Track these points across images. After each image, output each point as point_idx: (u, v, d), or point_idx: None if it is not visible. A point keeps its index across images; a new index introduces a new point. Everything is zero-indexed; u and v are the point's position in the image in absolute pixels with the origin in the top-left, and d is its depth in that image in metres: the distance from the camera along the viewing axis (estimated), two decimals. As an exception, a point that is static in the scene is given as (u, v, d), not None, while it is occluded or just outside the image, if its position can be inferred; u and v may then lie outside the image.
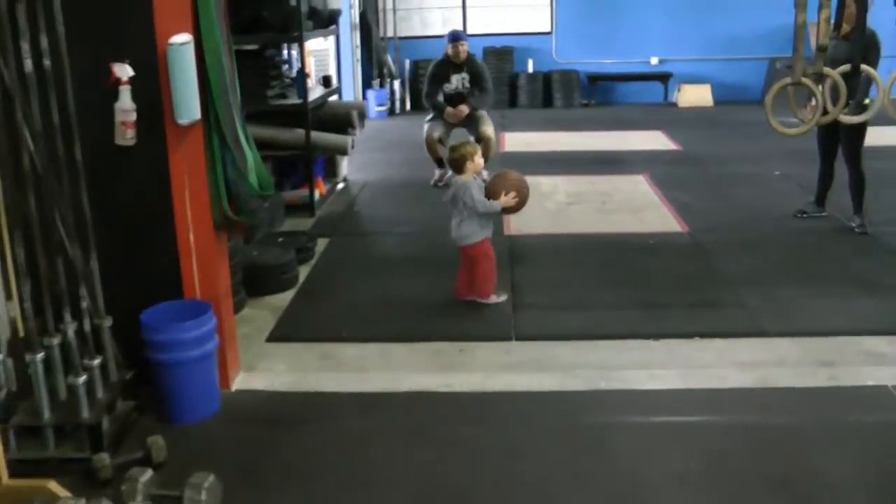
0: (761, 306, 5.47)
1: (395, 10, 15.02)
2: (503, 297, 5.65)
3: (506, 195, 5.49)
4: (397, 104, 14.65)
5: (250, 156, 4.27)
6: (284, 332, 5.26)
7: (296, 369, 4.73)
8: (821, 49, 4.95)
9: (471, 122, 8.99)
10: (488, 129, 8.92)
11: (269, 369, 4.73)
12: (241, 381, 4.58)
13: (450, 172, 8.95)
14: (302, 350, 4.98)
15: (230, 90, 4.15)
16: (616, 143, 11.36)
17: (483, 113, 8.94)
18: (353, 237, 7.34)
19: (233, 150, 4.15)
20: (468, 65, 8.96)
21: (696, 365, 4.70)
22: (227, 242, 4.64)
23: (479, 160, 5.61)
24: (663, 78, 15.16)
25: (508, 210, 5.57)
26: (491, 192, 5.53)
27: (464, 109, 8.89)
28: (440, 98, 9.02)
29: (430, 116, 9.10)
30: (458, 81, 8.91)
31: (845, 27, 6.46)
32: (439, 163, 9.10)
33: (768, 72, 14.81)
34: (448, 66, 8.95)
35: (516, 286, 5.91)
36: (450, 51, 8.88)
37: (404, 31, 15.10)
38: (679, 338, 5.02)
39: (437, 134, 8.93)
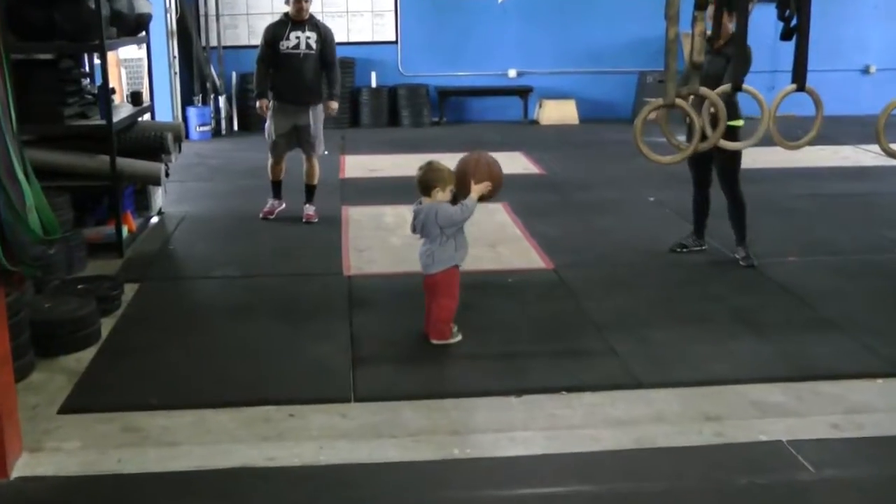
0: (635, 354, 5.49)
1: (218, 17, 14.74)
2: (458, 337, 5.65)
3: (476, 184, 5.47)
4: (222, 124, 14.35)
5: (29, 192, 3.98)
6: (81, 400, 4.97)
7: (93, 447, 4.46)
8: (695, 67, 5.00)
9: (301, 137, 8.67)
10: (319, 150, 8.77)
11: (59, 449, 4.44)
12: (22, 467, 4.26)
13: (283, 205, 8.88)
14: (101, 422, 4.70)
15: (2, 111, 3.84)
16: (472, 166, 11.38)
17: (319, 131, 8.73)
18: (167, 282, 7.08)
19: (6, 185, 3.85)
20: (311, 24, 8.54)
21: (563, 425, 4.64)
22: (7, 297, 4.33)
23: (450, 193, 5.54)
24: (522, 93, 15.37)
25: (483, 199, 5.57)
26: (461, 186, 5.51)
27: (333, 106, 8.69)
28: (270, 74, 8.57)
29: (267, 122, 8.75)
30: (300, 39, 8.46)
31: (719, 41, 6.59)
32: (275, 188, 8.94)
33: (638, 87, 15.21)
34: (286, 24, 8.50)
35: (355, 337, 5.79)
36: (291, 8, 8.45)
37: (230, 40, 14.83)
38: (543, 393, 4.97)
39: (280, 149, 8.70)
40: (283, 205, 8.94)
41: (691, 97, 5.20)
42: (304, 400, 4.91)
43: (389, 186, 10.22)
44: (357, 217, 8.91)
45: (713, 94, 5.14)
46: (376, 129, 14.82)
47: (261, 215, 8.85)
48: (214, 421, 4.70)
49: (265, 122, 8.74)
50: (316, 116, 8.62)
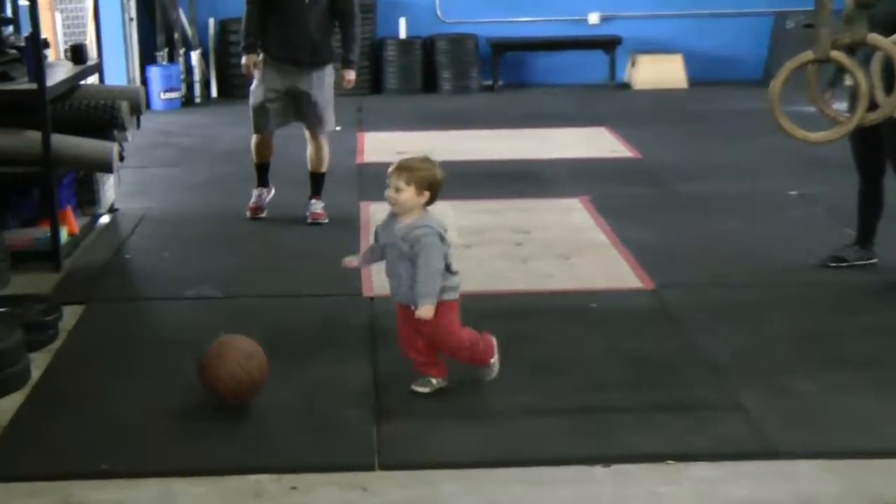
0: (769, 408, 5.44)
1: (190, -57, 14.89)
2: (436, 384, 5.60)
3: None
4: (196, 89, 14.45)
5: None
6: (2, 466, 5.00)
7: (18, 530, 4.52)
8: (862, 5, 4.95)
9: (301, 107, 8.73)
10: (328, 126, 8.85)
11: (-28, 532, 4.51)
12: (-78, 556, 4.31)
13: (272, 193, 8.91)
14: (31, 495, 4.73)
15: None
16: (537, 148, 11.40)
17: (328, 99, 8.79)
18: (121, 304, 7.14)
19: None
20: None
21: (669, 507, 4.63)
22: None
23: (423, 198, 5.50)
24: (608, 45, 15.38)
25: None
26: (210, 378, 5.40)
27: (349, 77, 8.74)
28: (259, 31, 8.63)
29: (254, 82, 8.83)
30: None
31: None
32: (261, 173, 9.02)
33: (773, 35, 15.14)
34: None
35: (380, 381, 5.80)
36: None
37: (206, -26, 14.97)
38: (639, 462, 4.93)
39: (268, 119, 8.73)
40: (272, 192, 9.00)
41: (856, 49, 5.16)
42: (309, 467, 4.91)
43: (424, 175, 10.24)
44: (381, 217, 8.81)
45: (888, 44, 5.09)
46: (406, 96, 14.89)
47: (247, 213, 8.93)
48: (186, 495, 4.70)
49: (251, 83, 8.82)
50: (322, 80, 8.69)
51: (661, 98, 14.48)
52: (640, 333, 6.49)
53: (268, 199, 9.02)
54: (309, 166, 8.87)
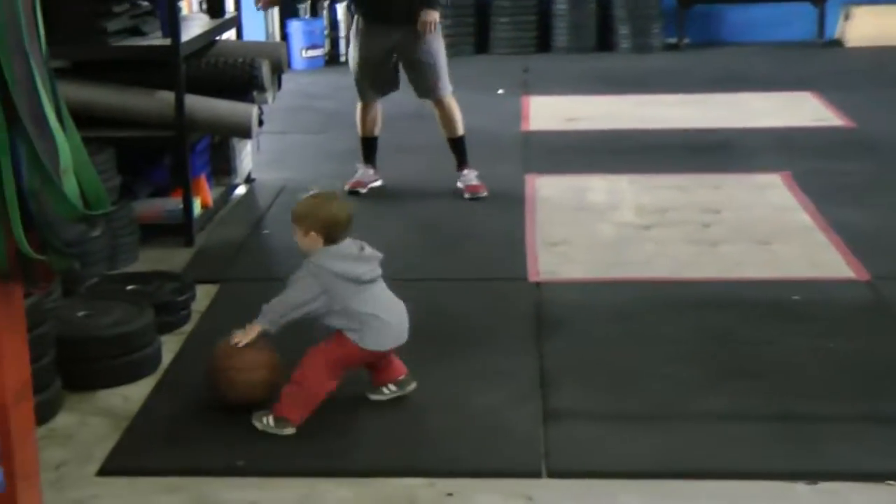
0: None
1: None
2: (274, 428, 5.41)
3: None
4: (341, 45, 14.56)
5: (65, 147, 4.13)
6: (131, 458, 5.14)
7: (147, 531, 4.62)
8: None
9: (408, 68, 8.86)
10: (443, 84, 8.87)
11: (97, 530, 4.62)
12: (45, 555, 4.43)
13: (378, 181, 9.04)
14: (161, 491, 4.84)
15: (24, 25, 4.00)
16: (729, 115, 11.34)
17: (437, 56, 8.82)
18: (258, 285, 7.15)
19: (31, 135, 4.01)
20: None
21: (891, 535, 4.57)
22: (25, 299, 4.51)
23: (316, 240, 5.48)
24: (816, -3, 15.23)
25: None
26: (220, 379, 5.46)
27: (426, 19, 8.60)
28: None
29: (350, 47, 9.07)
30: None
31: None
32: (365, 148, 9.16)
33: None
34: None
35: (548, 377, 5.80)
36: None
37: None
38: (851, 480, 4.85)
39: (367, 84, 8.96)
40: (379, 181, 9.15)
41: None
42: (467, 472, 4.94)
43: (598, 145, 10.26)
44: (548, 192, 8.94)
45: None
46: (577, 55, 14.90)
47: (346, 187, 8.99)
48: (331, 497, 4.77)
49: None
50: (422, 38, 8.69)
51: (880, 57, 14.29)
52: (853, 332, 6.37)
53: (372, 185, 9.11)
54: (443, 133, 8.96)
